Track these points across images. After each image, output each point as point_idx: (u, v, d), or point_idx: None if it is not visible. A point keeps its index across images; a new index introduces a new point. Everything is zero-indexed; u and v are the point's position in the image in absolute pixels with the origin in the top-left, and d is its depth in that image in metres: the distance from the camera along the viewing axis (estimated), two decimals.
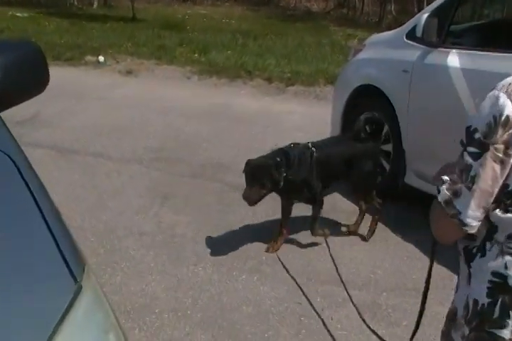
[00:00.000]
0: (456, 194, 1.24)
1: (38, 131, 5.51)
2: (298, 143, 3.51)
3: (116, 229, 3.69)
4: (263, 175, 3.23)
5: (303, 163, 3.39)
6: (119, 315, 2.62)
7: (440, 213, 1.28)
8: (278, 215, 3.64)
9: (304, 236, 3.73)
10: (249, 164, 3.28)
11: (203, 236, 3.63)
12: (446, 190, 1.25)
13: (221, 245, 3.54)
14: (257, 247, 3.48)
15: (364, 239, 3.79)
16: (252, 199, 3.24)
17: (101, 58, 8.88)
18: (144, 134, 5.69)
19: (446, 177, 1.26)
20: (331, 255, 3.29)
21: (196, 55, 9.42)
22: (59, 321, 0.92)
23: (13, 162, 1.24)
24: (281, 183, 3.28)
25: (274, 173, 3.23)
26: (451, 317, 1.38)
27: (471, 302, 1.30)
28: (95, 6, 19.05)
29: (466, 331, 1.31)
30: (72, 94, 6.91)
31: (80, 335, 0.95)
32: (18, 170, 1.22)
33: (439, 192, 1.27)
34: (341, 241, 3.73)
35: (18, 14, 15.57)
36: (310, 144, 3.47)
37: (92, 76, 8.28)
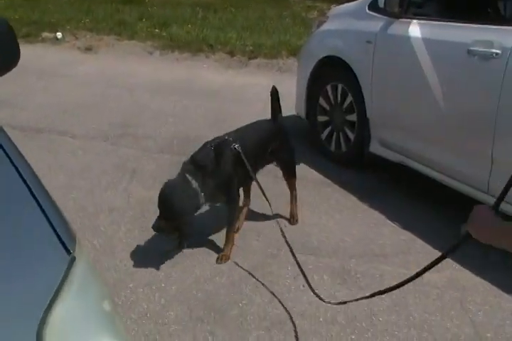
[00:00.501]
0: None
1: (1, 111, 5.40)
2: (218, 139, 3.23)
3: (86, 206, 3.68)
4: (177, 208, 2.96)
5: (224, 164, 3.10)
6: None
7: None
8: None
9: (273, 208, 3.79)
10: (161, 192, 3.02)
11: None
12: None
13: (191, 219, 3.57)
14: (224, 216, 3.52)
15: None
16: (164, 232, 3.07)
17: (59, 34, 8.67)
18: (108, 111, 5.63)
19: None
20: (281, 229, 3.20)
21: (157, 30, 9.26)
22: (56, 291, 0.95)
23: None
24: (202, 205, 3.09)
25: (191, 201, 3.00)
26: None
27: None
28: None
29: None
30: (31, 72, 6.75)
31: (78, 303, 0.98)
32: (3, 150, 1.23)
33: None
34: (310, 210, 3.80)
35: None
36: (231, 138, 3.18)
37: (50, 53, 8.09)
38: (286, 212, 3.67)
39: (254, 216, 3.64)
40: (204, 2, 13.54)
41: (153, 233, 3.38)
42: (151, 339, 2.51)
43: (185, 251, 3.23)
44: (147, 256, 3.16)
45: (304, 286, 2.97)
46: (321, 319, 2.75)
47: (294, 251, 3.28)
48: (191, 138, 4.94)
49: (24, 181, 1.18)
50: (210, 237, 3.40)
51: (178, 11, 11.70)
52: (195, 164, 3.09)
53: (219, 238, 3.37)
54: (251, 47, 8.36)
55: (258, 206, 3.67)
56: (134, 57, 8.00)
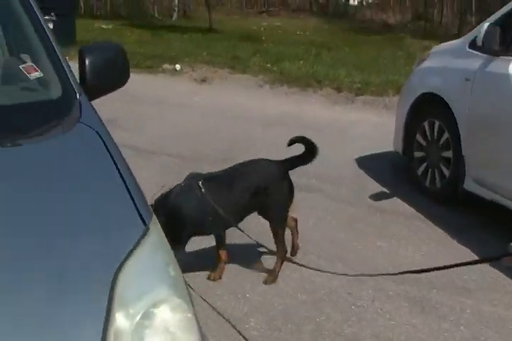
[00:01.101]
0: None
1: (118, 133, 5.85)
2: (193, 176, 3.23)
3: None
4: None
5: (186, 204, 3.09)
6: None
7: None
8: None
9: (360, 235, 3.92)
10: None
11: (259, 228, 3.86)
12: None
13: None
14: (315, 242, 3.70)
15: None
16: None
17: (177, 66, 9.36)
18: (216, 139, 6.03)
19: None
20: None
21: (269, 65, 9.72)
22: (130, 251, 1.22)
23: (100, 136, 1.54)
24: None
25: None
26: None
27: None
28: (174, 17, 19.79)
29: None
30: (150, 100, 7.36)
31: (146, 263, 1.25)
32: (104, 142, 1.52)
33: None
34: (398, 242, 3.89)
35: (103, 26, 16.51)
36: (200, 183, 3.09)
37: (168, 83, 8.73)
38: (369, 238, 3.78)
39: (342, 241, 3.78)
40: (318, 41, 13.98)
41: (242, 246, 3.62)
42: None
43: (272, 267, 3.42)
44: (236, 268, 3.38)
45: (381, 310, 3.08)
46: None
47: (378, 277, 3.41)
48: None
49: (116, 166, 1.46)
50: (298, 257, 3.57)
51: (292, 48, 12.17)
52: (162, 199, 3.13)
53: (306, 259, 3.54)
54: (358, 85, 8.55)
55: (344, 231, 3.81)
56: (245, 89, 8.44)
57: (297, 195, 4.14)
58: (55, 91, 1.77)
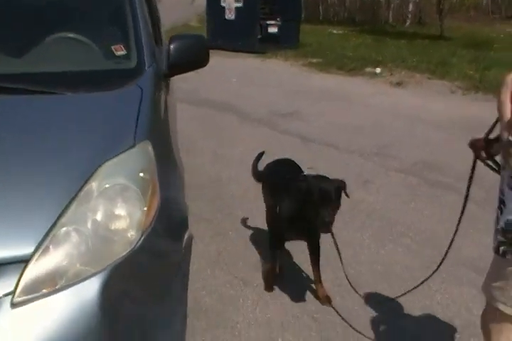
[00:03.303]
0: None
1: (292, 123, 6.74)
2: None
3: None
4: None
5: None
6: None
7: None
8: None
9: (469, 231, 4.10)
10: None
11: (377, 209, 4.30)
12: None
13: (396, 219, 4.19)
14: (418, 229, 4.05)
15: None
16: None
17: (378, 70, 9.82)
18: (379, 135, 6.47)
19: None
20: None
21: (471, 72, 9.66)
22: (114, 156, 1.92)
23: (142, 93, 2.30)
24: None
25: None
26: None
27: None
28: (407, 24, 20.01)
29: None
30: (337, 98, 8.00)
31: (123, 165, 1.93)
32: (141, 97, 2.27)
33: None
34: None
35: (334, 31, 17.56)
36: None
37: (363, 85, 9.26)
38: None
39: (448, 232, 4.04)
40: None
41: (356, 227, 4.07)
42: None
43: (366, 242, 3.87)
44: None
45: (444, 290, 3.35)
46: None
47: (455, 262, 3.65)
48: (432, 165, 5.43)
49: (138, 111, 2.18)
50: (393, 237, 3.96)
51: None
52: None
53: (399, 241, 3.92)
54: None
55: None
56: (435, 94, 8.62)
57: (432, 191, 4.49)
58: (131, 64, 2.56)
